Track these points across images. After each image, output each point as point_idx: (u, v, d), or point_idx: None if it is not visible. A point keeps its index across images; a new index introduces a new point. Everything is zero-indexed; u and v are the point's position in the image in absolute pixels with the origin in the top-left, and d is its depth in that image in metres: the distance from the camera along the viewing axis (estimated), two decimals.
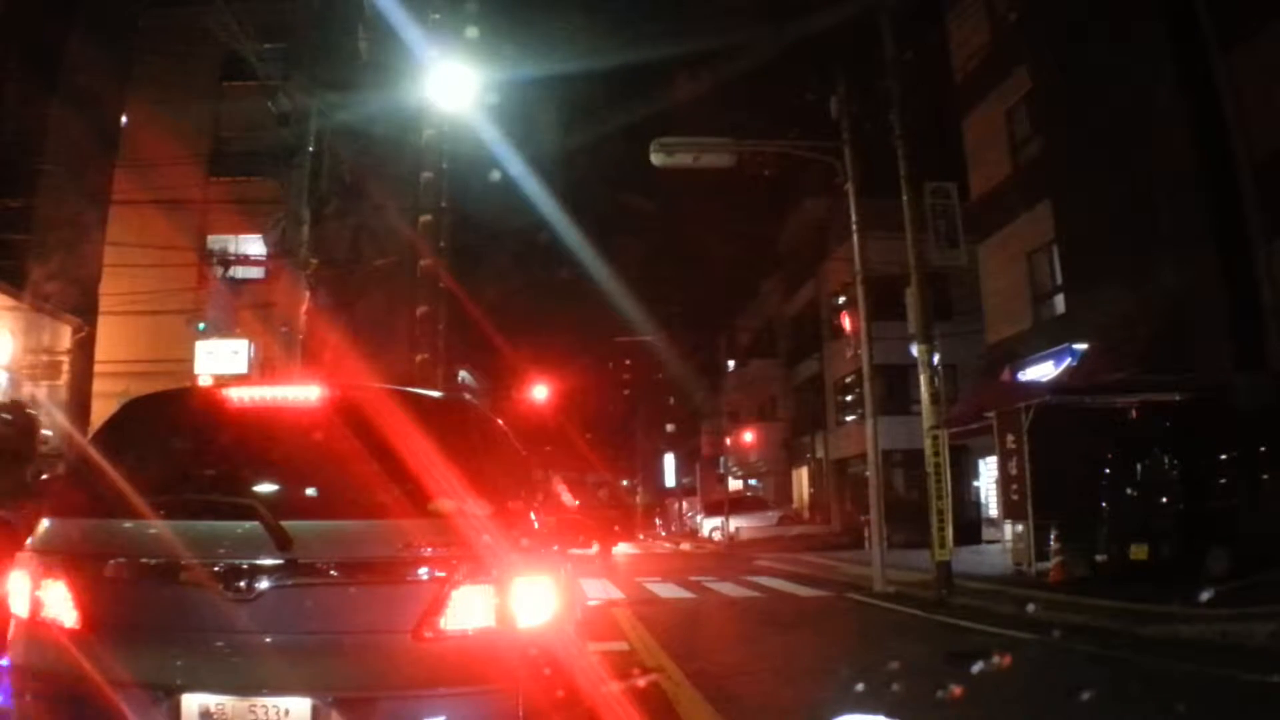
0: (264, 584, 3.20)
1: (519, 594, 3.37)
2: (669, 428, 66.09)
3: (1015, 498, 15.21)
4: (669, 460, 63.53)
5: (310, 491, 3.61)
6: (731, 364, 51.03)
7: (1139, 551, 13.15)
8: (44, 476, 17.88)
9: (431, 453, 3.42)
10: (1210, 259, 15.90)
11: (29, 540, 3.58)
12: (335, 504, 3.47)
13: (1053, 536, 13.98)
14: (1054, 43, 19.71)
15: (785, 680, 7.66)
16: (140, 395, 4.14)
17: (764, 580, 18.16)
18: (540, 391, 42.07)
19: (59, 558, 3.40)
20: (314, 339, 13.30)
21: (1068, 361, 19.06)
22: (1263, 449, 13.09)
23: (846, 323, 18.83)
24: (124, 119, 23.68)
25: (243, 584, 3.19)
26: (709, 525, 38.58)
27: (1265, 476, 12.86)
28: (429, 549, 3.29)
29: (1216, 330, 15.84)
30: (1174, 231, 16.63)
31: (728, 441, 44.67)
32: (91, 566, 3.35)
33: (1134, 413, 14.52)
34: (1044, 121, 20.90)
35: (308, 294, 12.78)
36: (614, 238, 45.43)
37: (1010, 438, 15.43)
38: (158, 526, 3.31)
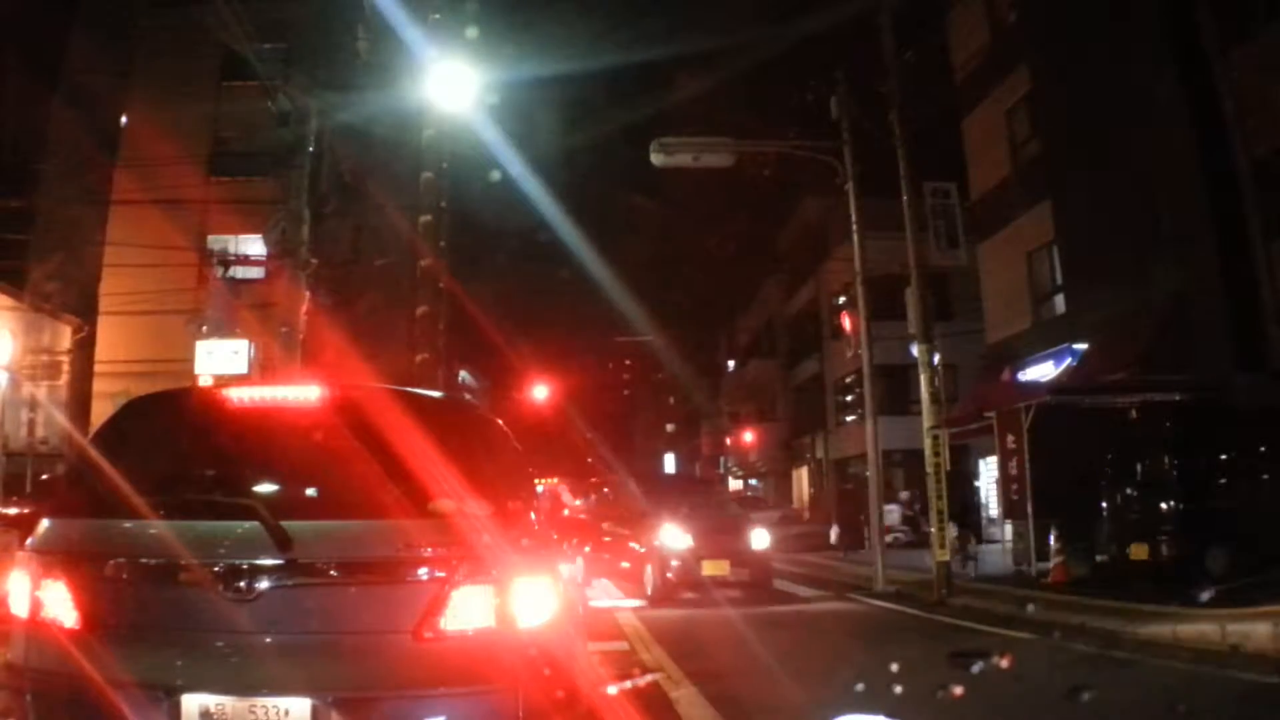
0: (264, 584, 3.20)
1: (519, 594, 3.37)
2: (669, 428, 66.04)
3: (1015, 498, 15.21)
4: (669, 460, 63.47)
5: (310, 491, 3.62)
6: (731, 364, 50.99)
7: (1139, 551, 13.18)
8: (44, 476, 17.95)
9: (431, 453, 3.42)
10: (1210, 259, 15.91)
11: (29, 540, 3.58)
12: (335, 504, 3.47)
13: (1053, 536, 13.98)
14: (1053, 43, 19.71)
15: (785, 680, 7.66)
16: (140, 395, 4.15)
17: None
18: (540, 391, 42.07)
19: (59, 558, 3.40)
20: (314, 339, 13.28)
21: (1068, 361, 19.06)
22: (1262, 449, 13.11)
23: (846, 323, 18.85)
24: (124, 119, 23.72)
25: (243, 584, 3.19)
26: None
27: (1265, 476, 12.88)
28: (429, 549, 3.29)
29: (1216, 330, 15.84)
30: (1173, 231, 16.63)
31: (728, 441, 44.64)
32: (91, 566, 3.35)
33: (1134, 413, 14.53)
34: (1044, 121, 20.91)
35: (307, 294, 12.76)
36: (614, 237, 45.35)
37: (1010, 438, 15.42)
38: (158, 526, 3.31)
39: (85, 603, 3.30)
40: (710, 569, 13.95)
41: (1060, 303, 20.89)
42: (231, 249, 19.14)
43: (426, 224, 19.97)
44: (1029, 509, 14.61)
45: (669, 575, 13.82)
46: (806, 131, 17.06)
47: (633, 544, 15.19)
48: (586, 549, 16.58)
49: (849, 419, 34.48)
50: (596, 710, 4.23)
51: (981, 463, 25.61)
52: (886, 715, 2.77)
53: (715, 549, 14.19)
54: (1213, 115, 15.62)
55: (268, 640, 3.20)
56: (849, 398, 34.47)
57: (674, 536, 14.06)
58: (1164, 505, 13.31)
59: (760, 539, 15.16)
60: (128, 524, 3.35)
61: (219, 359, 14.51)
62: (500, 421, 4.61)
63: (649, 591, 13.91)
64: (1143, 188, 17.12)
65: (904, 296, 15.24)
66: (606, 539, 16.20)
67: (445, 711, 3.26)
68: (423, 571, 3.29)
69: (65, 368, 22.80)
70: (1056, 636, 9.25)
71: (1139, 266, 16.89)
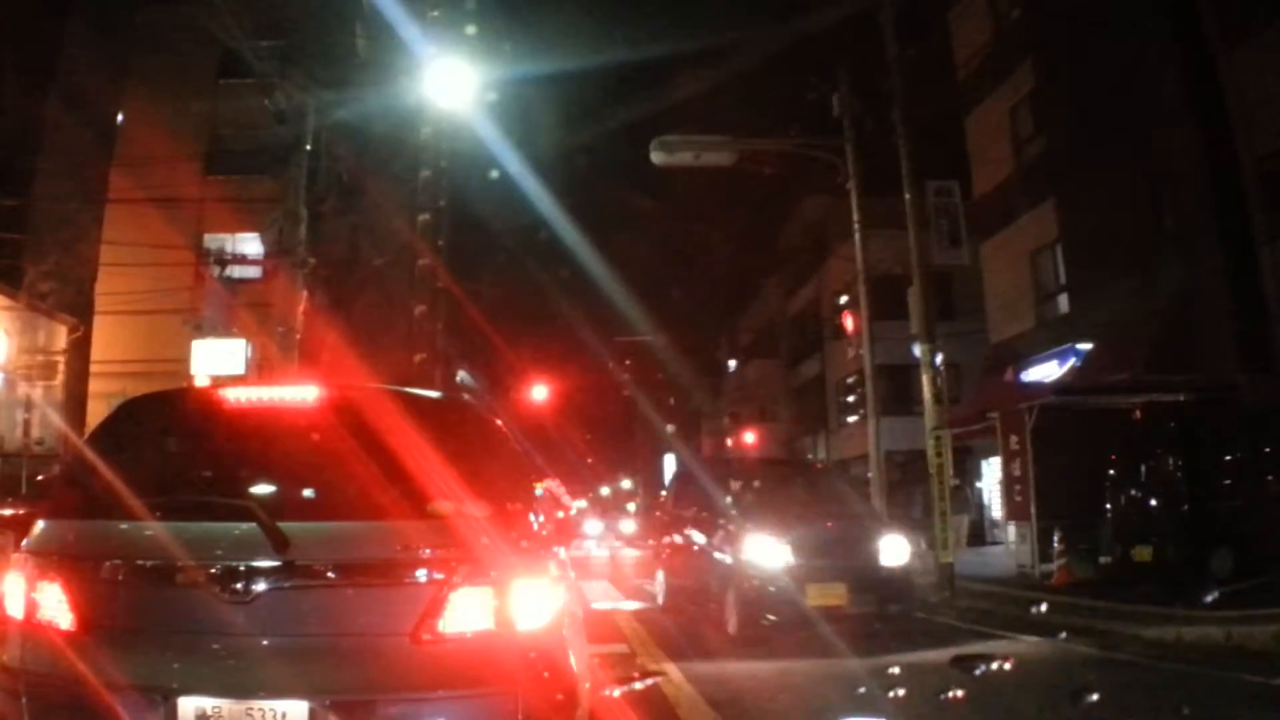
0: (261, 586, 3.17)
1: (518, 596, 3.34)
2: (669, 428, 65.99)
3: (1019, 499, 15.17)
4: (669, 461, 63.46)
5: (308, 493, 3.58)
6: (732, 364, 50.96)
7: (1143, 553, 13.15)
8: (40, 477, 17.90)
9: (430, 454, 3.39)
10: (1214, 258, 15.88)
11: (25, 541, 3.57)
12: (333, 505, 3.44)
13: (1056, 538, 13.94)
14: (1057, 40, 19.68)
15: (786, 682, 7.61)
16: (137, 396, 4.13)
17: None
18: (540, 392, 42.04)
19: (55, 559, 3.39)
20: (311, 339, 13.25)
21: (1071, 362, 19.01)
22: (1267, 450, 13.07)
23: (848, 322, 18.83)
24: (120, 117, 23.68)
25: (239, 586, 3.17)
26: None
27: (1270, 477, 12.84)
28: (427, 550, 3.27)
29: (1221, 330, 15.82)
30: (1178, 231, 16.61)
31: (728, 442, 44.55)
32: (87, 568, 3.33)
33: (1138, 413, 14.51)
34: (1047, 120, 20.87)
35: (305, 293, 12.73)
36: (614, 237, 45.31)
37: (1014, 439, 15.38)
38: (154, 528, 3.29)
39: (81, 604, 3.28)
40: (818, 596, 9.58)
41: (1064, 302, 20.87)
42: (228, 248, 19.12)
43: (425, 223, 19.95)
44: (1032, 510, 14.57)
45: (758, 606, 9.71)
46: (808, 130, 17.05)
47: (711, 556, 10.93)
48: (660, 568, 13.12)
49: (851, 419, 34.45)
50: (597, 713, 4.19)
51: (984, 464, 25.60)
52: (888, 719, 2.73)
53: (826, 567, 9.84)
54: (1217, 114, 15.60)
55: (265, 642, 3.18)
56: (851, 398, 34.44)
57: (766, 550, 9.90)
58: (1168, 506, 13.28)
59: (894, 550, 10.33)
60: (124, 525, 3.33)
61: (216, 359, 14.51)
62: (500, 421, 4.57)
63: (731, 628, 9.92)
64: (1147, 187, 17.10)
65: (906, 296, 15.20)
66: (696, 548, 11.60)
67: (444, 714, 3.24)
68: (421, 573, 3.26)
69: (61, 368, 22.77)
70: (1061, 638, 9.20)
71: (1143, 266, 16.86)
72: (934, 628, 10.49)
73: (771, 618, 9.64)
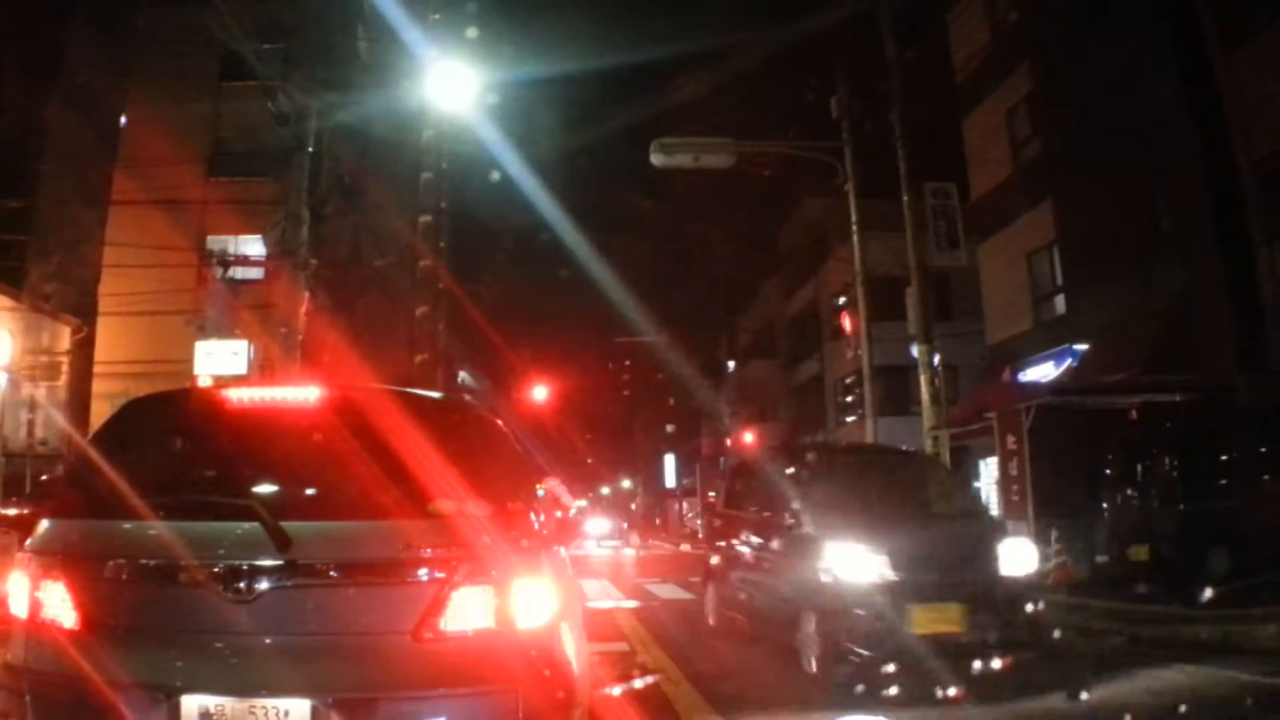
0: (263, 585, 3.20)
1: (519, 595, 3.37)
2: (669, 428, 65.98)
3: (1015, 499, 15.19)
4: (669, 461, 63.43)
5: (310, 492, 3.60)
6: (732, 364, 50.96)
7: (1139, 553, 13.17)
8: (44, 477, 17.94)
9: (431, 453, 3.42)
10: (1212, 259, 15.89)
11: (28, 541, 3.58)
12: (335, 505, 3.46)
13: (1053, 538, 13.96)
14: (1055, 42, 19.70)
15: (785, 681, 7.64)
16: (140, 396, 4.14)
17: None
18: (540, 392, 42.08)
19: (58, 558, 3.40)
20: (313, 340, 13.27)
21: (1068, 362, 19.03)
22: (1263, 450, 13.09)
23: (847, 323, 18.86)
24: (123, 119, 23.72)
25: (242, 585, 3.19)
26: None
27: (1266, 477, 12.86)
28: (429, 550, 3.29)
29: (1217, 331, 15.82)
30: (1176, 232, 16.62)
31: (728, 442, 44.54)
32: (91, 567, 3.35)
33: (1134, 414, 14.53)
34: (1045, 121, 20.89)
35: (307, 295, 12.75)
36: (614, 237, 45.25)
37: (1010, 439, 15.40)
38: (157, 527, 3.31)
39: (85, 603, 3.30)
40: (927, 622, 7.10)
41: (1061, 303, 20.88)
42: (231, 249, 19.14)
43: (426, 224, 19.99)
44: (1029, 510, 14.59)
45: (846, 636, 7.21)
46: (807, 131, 17.10)
47: (780, 569, 8.60)
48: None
49: (850, 419, 34.48)
50: (596, 711, 4.23)
51: (982, 464, 25.60)
52: (886, 716, 2.77)
53: (934, 583, 7.37)
54: (1214, 115, 15.61)
55: (267, 641, 3.20)
56: (850, 398, 34.47)
57: (854, 562, 7.42)
58: (1164, 506, 13.31)
59: (1019, 558, 7.88)
60: (127, 525, 3.35)
61: (218, 360, 14.54)
62: (500, 421, 4.60)
63: (810, 665, 7.59)
64: (1144, 188, 17.11)
65: (904, 297, 15.24)
66: (758, 559, 9.28)
67: (445, 712, 3.25)
68: (422, 572, 3.28)
69: (64, 368, 22.80)
70: (1056, 638, 9.24)
71: (1140, 267, 16.88)
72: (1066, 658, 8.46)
73: (863, 652, 7.09)
